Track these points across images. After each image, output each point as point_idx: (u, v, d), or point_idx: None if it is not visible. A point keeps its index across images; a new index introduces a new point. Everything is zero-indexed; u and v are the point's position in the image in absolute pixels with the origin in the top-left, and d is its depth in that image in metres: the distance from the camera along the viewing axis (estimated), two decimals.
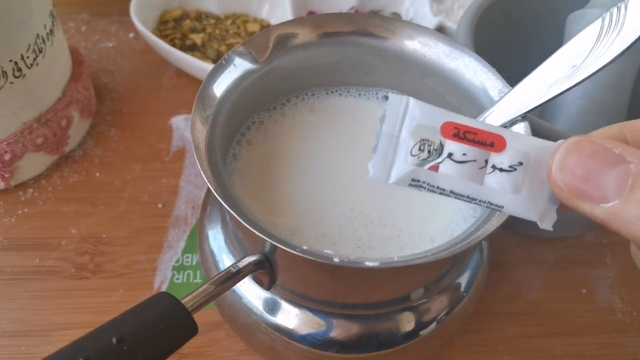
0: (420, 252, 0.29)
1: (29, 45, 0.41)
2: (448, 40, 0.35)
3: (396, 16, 0.57)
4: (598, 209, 0.17)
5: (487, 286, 0.43)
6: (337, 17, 0.36)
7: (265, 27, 0.58)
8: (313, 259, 0.26)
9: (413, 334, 0.34)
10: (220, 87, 0.33)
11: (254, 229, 0.26)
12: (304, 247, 0.26)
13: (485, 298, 0.42)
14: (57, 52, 0.45)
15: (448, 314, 0.35)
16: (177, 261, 0.44)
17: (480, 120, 0.32)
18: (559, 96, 0.30)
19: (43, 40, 0.42)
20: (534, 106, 0.31)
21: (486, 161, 0.18)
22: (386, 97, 0.39)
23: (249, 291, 0.34)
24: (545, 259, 0.45)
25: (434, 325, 0.35)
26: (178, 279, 0.43)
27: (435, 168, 0.18)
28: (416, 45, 0.36)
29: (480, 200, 0.18)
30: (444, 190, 0.18)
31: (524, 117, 0.31)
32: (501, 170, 0.18)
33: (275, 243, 0.26)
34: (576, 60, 0.30)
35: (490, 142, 0.18)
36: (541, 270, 0.45)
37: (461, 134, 0.18)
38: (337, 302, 0.32)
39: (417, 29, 0.36)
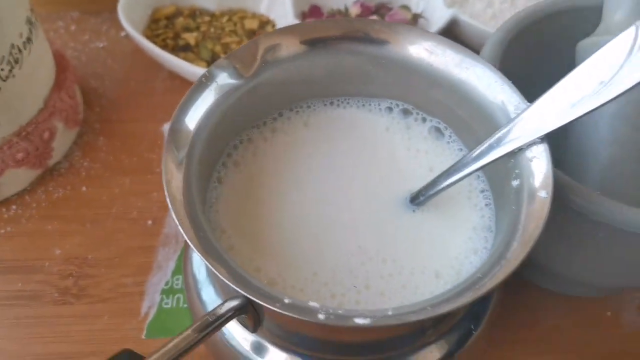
0: (422, 296, 0.25)
1: (3, 57, 0.38)
2: (458, 47, 0.31)
3: (405, 9, 0.52)
4: None
5: (501, 313, 0.39)
6: (330, 24, 0.32)
7: (265, 22, 0.54)
8: (294, 315, 0.22)
9: None
10: (200, 108, 0.29)
11: (231, 282, 0.23)
12: (286, 301, 0.23)
13: (499, 324, 0.39)
14: (37, 61, 0.42)
15: (460, 349, 0.32)
16: (166, 284, 0.41)
17: (493, 139, 0.28)
18: (585, 115, 0.26)
19: (19, 50, 0.39)
20: (555, 127, 0.27)
21: None
22: (390, 109, 0.35)
23: (235, 330, 0.30)
24: None
25: None
26: (167, 303, 0.40)
27: None
28: (421, 53, 0.32)
29: None
30: None
31: (542, 138, 0.27)
32: None
33: (253, 298, 0.23)
34: (605, 75, 0.26)
35: None
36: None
37: None
38: (332, 348, 0.29)
39: (422, 34, 0.32)
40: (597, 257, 0.33)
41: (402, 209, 0.32)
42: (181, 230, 0.24)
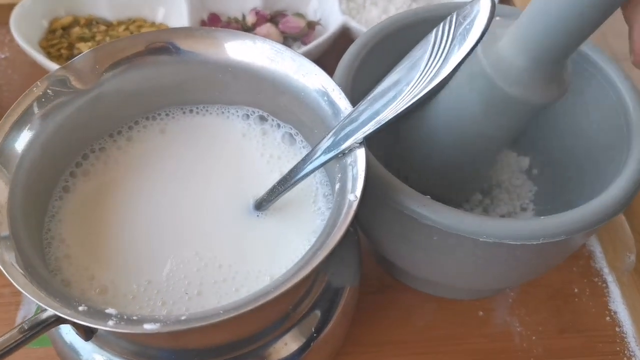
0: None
1: None
2: (295, 55, 0.32)
3: (299, 16, 0.53)
4: None
5: (373, 311, 0.40)
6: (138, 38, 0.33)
7: None
8: (84, 323, 0.23)
9: None
10: (31, 118, 0.29)
11: (23, 289, 0.23)
12: (80, 308, 0.23)
13: (370, 325, 0.39)
14: None
15: (304, 351, 0.32)
16: None
17: (320, 145, 0.29)
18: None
19: None
20: (371, 131, 0.28)
21: None
22: (247, 116, 0.36)
23: (75, 338, 0.31)
24: None
25: None
26: None
27: None
28: (263, 60, 0.33)
29: None
30: None
31: (361, 143, 0.28)
32: None
33: (40, 303, 0.23)
34: (408, 80, 0.27)
35: None
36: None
37: None
38: (167, 354, 0.30)
39: (239, 35, 0.33)
40: (439, 259, 0.33)
41: (246, 215, 0.32)
42: None
